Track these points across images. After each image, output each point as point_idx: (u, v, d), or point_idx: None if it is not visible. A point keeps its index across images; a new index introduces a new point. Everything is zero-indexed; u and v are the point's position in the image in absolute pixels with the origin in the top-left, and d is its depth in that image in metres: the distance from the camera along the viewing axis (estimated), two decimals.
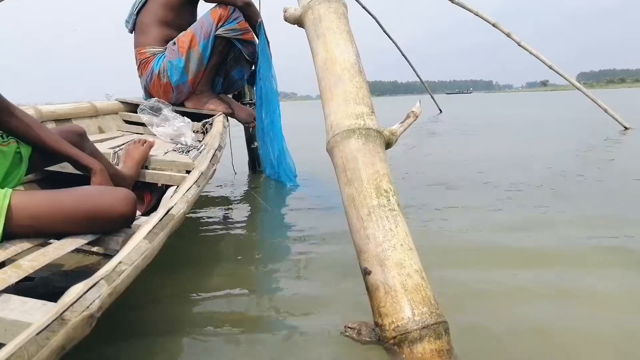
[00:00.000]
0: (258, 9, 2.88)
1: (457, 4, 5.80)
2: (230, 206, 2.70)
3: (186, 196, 1.23)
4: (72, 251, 1.17)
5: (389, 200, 0.97)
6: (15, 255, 1.08)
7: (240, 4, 2.64)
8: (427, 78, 10.39)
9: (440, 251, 1.61)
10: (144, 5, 2.73)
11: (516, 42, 5.55)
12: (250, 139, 3.64)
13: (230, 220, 2.39)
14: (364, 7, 7.24)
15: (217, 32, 2.61)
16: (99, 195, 1.18)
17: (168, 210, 1.10)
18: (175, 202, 1.17)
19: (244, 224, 2.28)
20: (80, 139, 1.42)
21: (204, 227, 2.21)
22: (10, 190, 1.14)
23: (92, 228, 1.19)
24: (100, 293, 0.79)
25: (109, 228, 1.21)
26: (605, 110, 5.30)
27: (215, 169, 1.71)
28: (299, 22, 1.33)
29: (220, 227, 2.23)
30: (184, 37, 2.65)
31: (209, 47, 2.64)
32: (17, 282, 0.98)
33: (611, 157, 3.96)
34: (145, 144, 1.91)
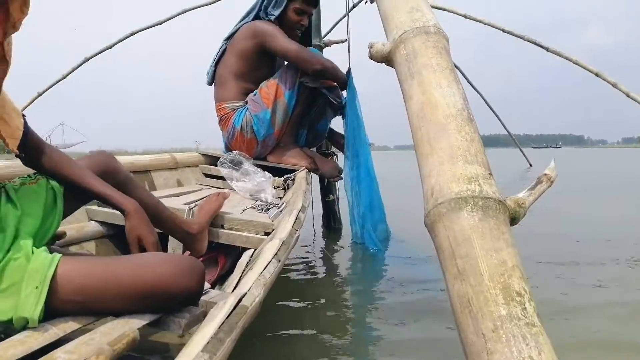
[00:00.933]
0: (348, 56, 2.72)
1: (554, 52, 5.35)
2: (300, 274, 2.40)
3: (263, 277, 0.95)
4: None
5: (525, 309, 0.65)
6: (57, 339, 0.87)
7: (312, 71, 2.48)
8: (511, 131, 9.79)
9: None
10: (221, 56, 2.67)
11: (624, 92, 4.90)
12: (326, 190, 3.39)
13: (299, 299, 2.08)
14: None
15: (302, 79, 2.47)
16: (159, 266, 0.98)
17: (239, 301, 0.82)
18: (249, 286, 0.88)
19: (315, 305, 1.95)
20: (110, 162, 1.30)
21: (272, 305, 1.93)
22: (59, 256, 0.96)
23: (151, 306, 0.97)
24: None
25: (170, 306, 0.99)
26: None
27: (298, 236, 1.43)
28: (387, 59, 1.08)
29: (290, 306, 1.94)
30: (267, 87, 2.53)
31: (294, 97, 2.51)
32: None
33: None
34: (219, 195, 1.74)
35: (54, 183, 1.12)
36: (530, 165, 10.94)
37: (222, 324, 0.75)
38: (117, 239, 1.74)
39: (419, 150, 0.87)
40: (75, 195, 1.17)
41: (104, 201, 1.18)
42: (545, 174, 0.85)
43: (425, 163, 0.84)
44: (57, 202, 1.10)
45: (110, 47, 4.09)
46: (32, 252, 0.96)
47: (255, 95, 2.56)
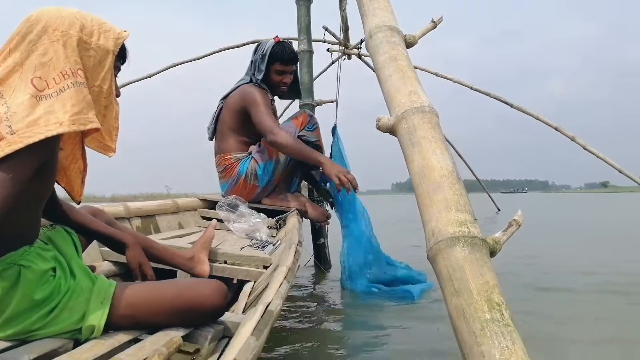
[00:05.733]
0: (335, 114, 3.07)
1: (518, 108, 5.89)
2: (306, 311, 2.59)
3: (280, 292, 1.24)
4: None
5: (502, 314, 0.92)
6: (114, 349, 1.11)
7: (270, 144, 2.80)
8: (479, 177, 10.33)
9: None
10: (219, 114, 3.02)
11: (581, 145, 5.45)
12: (317, 234, 3.66)
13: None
14: None
15: (300, 134, 2.81)
16: (196, 287, 1.24)
17: (267, 307, 1.10)
18: (271, 297, 1.17)
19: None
20: (96, 210, 1.54)
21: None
22: (114, 283, 1.21)
23: (186, 321, 1.23)
24: None
25: (200, 321, 1.24)
26: None
27: (298, 265, 1.74)
28: (391, 130, 1.39)
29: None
30: None
31: None
32: None
33: None
34: (208, 226, 1.99)
35: (67, 228, 1.34)
36: (498, 210, 11.48)
37: (259, 321, 1.03)
38: (127, 277, 1.91)
39: (421, 202, 1.17)
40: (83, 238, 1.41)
41: (106, 240, 1.44)
42: (515, 220, 1.15)
43: (426, 211, 1.14)
44: (75, 243, 1.33)
45: None
46: (96, 277, 1.21)
47: (260, 147, 2.92)
